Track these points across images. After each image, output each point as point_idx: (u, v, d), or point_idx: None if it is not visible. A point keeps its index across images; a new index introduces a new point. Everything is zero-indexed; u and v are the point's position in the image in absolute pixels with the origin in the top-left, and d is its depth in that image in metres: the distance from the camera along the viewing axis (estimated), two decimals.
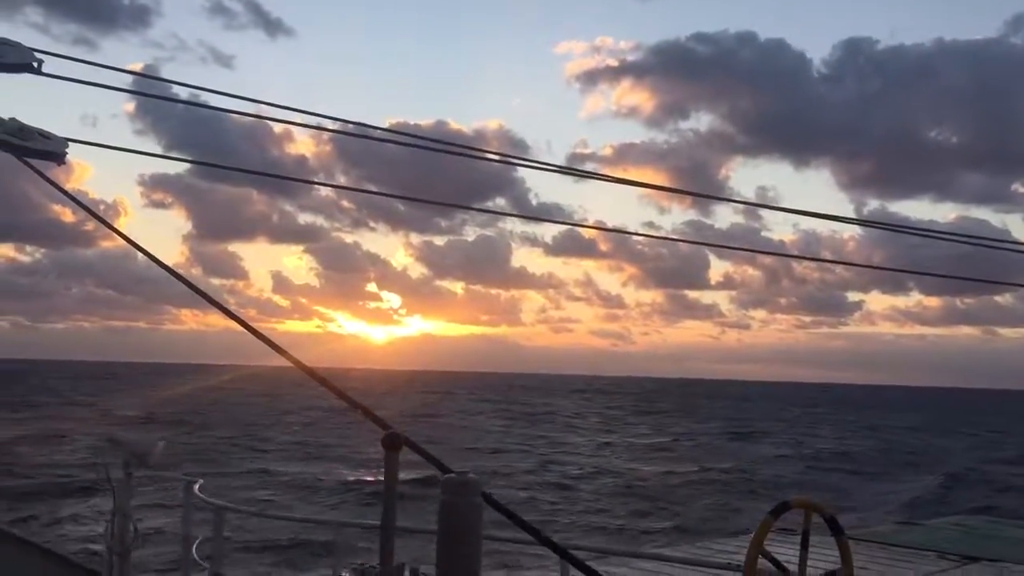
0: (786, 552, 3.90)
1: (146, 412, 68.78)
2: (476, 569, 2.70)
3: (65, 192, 4.76)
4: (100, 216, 5.06)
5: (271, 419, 68.68)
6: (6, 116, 5.25)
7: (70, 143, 5.48)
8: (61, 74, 5.49)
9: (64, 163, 5.38)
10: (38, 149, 5.18)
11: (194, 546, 7.81)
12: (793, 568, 3.78)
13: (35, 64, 5.28)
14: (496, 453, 48.62)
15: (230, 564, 8.93)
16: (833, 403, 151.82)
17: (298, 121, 5.98)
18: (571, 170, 7.80)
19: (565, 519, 28.69)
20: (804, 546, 3.82)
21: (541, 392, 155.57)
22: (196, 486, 7.97)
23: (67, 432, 50.66)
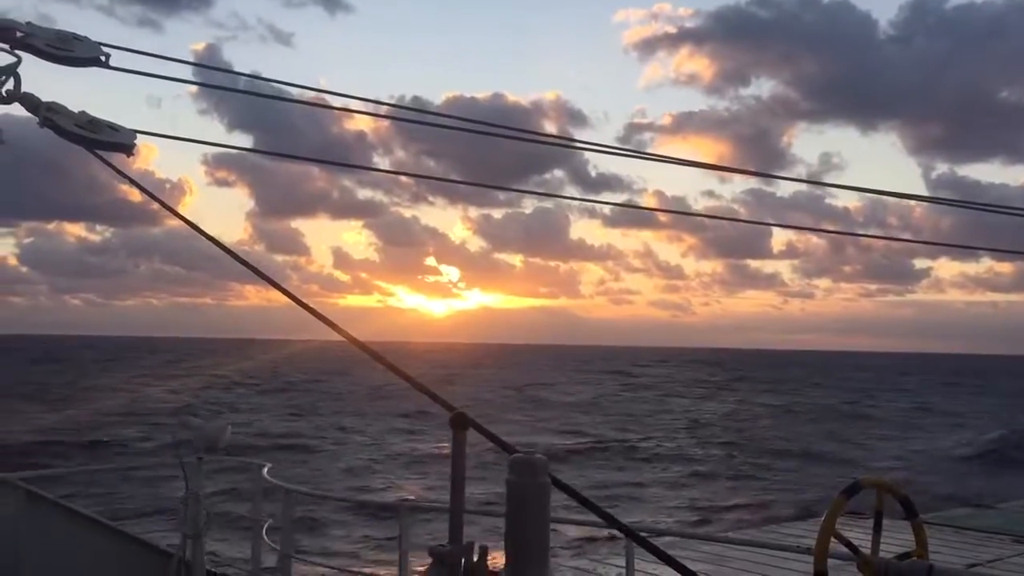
0: (855, 535, 3.82)
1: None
2: (544, 549, 2.70)
3: (134, 182, 4.85)
4: (163, 201, 5.15)
5: None
6: (76, 109, 5.39)
7: (138, 134, 5.61)
8: (126, 67, 5.61)
9: (133, 155, 5.50)
10: (108, 141, 5.29)
11: (264, 528, 7.97)
12: (865, 550, 3.70)
13: (103, 58, 5.41)
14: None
15: (299, 545, 9.09)
16: (926, 373, 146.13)
17: (356, 108, 6.02)
18: (624, 151, 7.71)
19: None
20: (877, 527, 3.73)
21: (625, 362, 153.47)
22: (265, 470, 8.12)
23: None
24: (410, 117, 6.74)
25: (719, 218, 41.73)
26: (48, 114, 5.21)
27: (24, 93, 5.29)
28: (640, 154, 7.43)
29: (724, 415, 59.27)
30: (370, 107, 6.02)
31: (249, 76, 6.08)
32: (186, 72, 6.13)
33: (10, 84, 5.24)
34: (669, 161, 7.53)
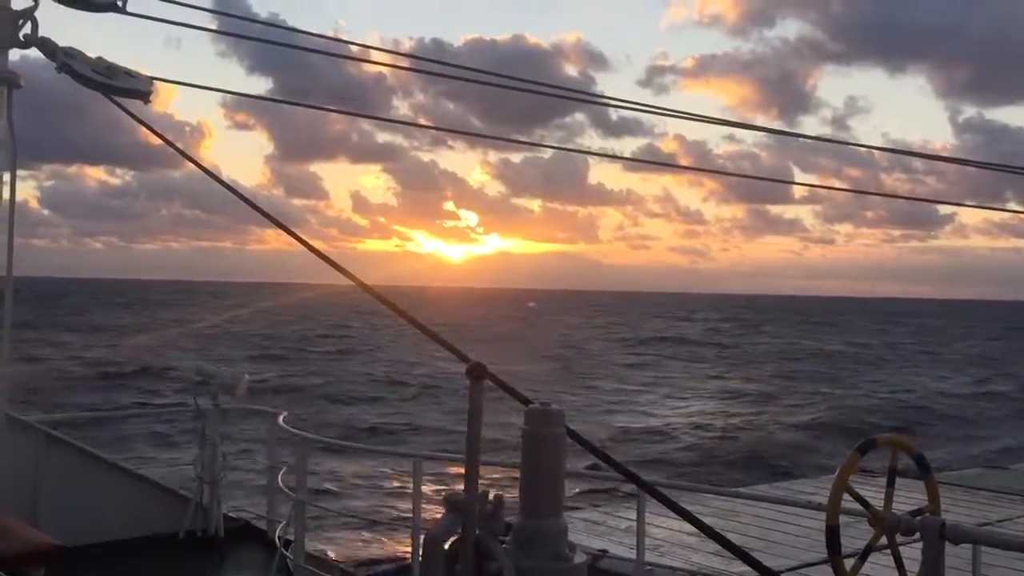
0: (867, 494, 3.83)
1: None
2: (559, 500, 2.71)
3: (151, 128, 4.85)
4: (177, 147, 5.15)
5: None
6: (93, 55, 5.37)
7: (155, 81, 5.58)
8: (144, 12, 5.57)
9: (149, 101, 5.48)
10: (125, 88, 5.28)
11: (280, 475, 8.07)
12: (878, 507, 3.71)
13: (119, 3, 5.37)
14: None
15: (313, 492, 9.22)
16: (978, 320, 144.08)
17: (376, 60, 5.98)
18: (636, 105, 7.64)
19: None
20: (891, 483, 3.74)
21: (671, 309, 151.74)
22: (280, 418, 8.20)
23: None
24: (429, 69, 6.68)
25: (737, 175, 41.15)
26: (65, 59, 5.20)
27: (42, 37, 5.27)
28: (652, 108, 7.36)
29: None
30: (388, 58, 5.97)
31: (265, 23, 6.03)
32: (204, 18, 6.07)
33: (27, 28, 5.23)
34: (683, 116, 7.45)
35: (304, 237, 3.78)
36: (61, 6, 5.23)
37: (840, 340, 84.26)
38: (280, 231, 3.97)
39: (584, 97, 6.82)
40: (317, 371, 49.36)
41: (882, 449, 3.81)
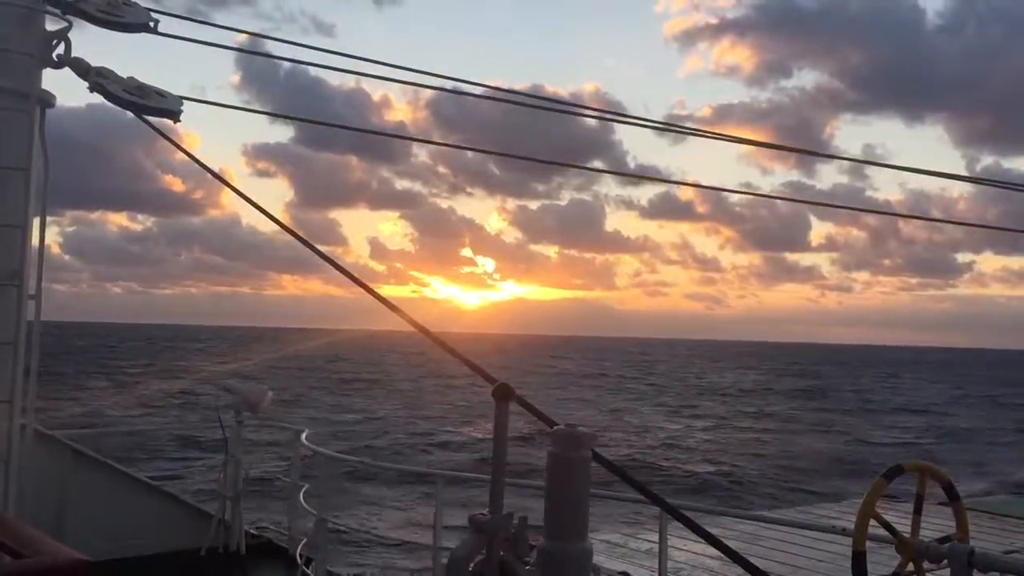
0: (892, 519, 3.78)
1: None
2: (584, 522, 2.70)
3: (182, 148, 4.91)
4: (212, 171, 5.20)
5: None
6: (124, 75, 5.44)
7: (185, 101, 5.65)
8: (175, 34, 5.65)
9: (179, 121, 5.54)
10: (156, 107, 5.35)
11: (301, 493, 8.08)
12: (904, 533, 3.67)
13: (152, 24, 5.45)
14: None
15: (335, 511, 9.21)
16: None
17: (398, 78, 6.02)
18: (669, 126, 7.65)
19: None
20: (917, 510, 3.69)
21: (708, 359, 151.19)
22: (303, 435, 8.22)
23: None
24: (451, 87, 6.72)
25: (765, 196, 40.84)
26: (98, 79, 5.27)
27: (74, 58, 5.35)
28: (684, 129, 7.37)
29: None
30: (413, 81, 6.01)
31: (289, 61, 6.10)
32: (238, 41, 6.15)
33: (60, 49, 5.31)
34: (713, 136, 7.45)
35: (352, 272, 3.90)
36: (93, 27, 5.31)
37: None
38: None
39: (631, 120, 6.85)
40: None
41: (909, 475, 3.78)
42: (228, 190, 4.74)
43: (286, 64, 6.21)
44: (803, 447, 38.43)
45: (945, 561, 3.57)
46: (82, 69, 5.26)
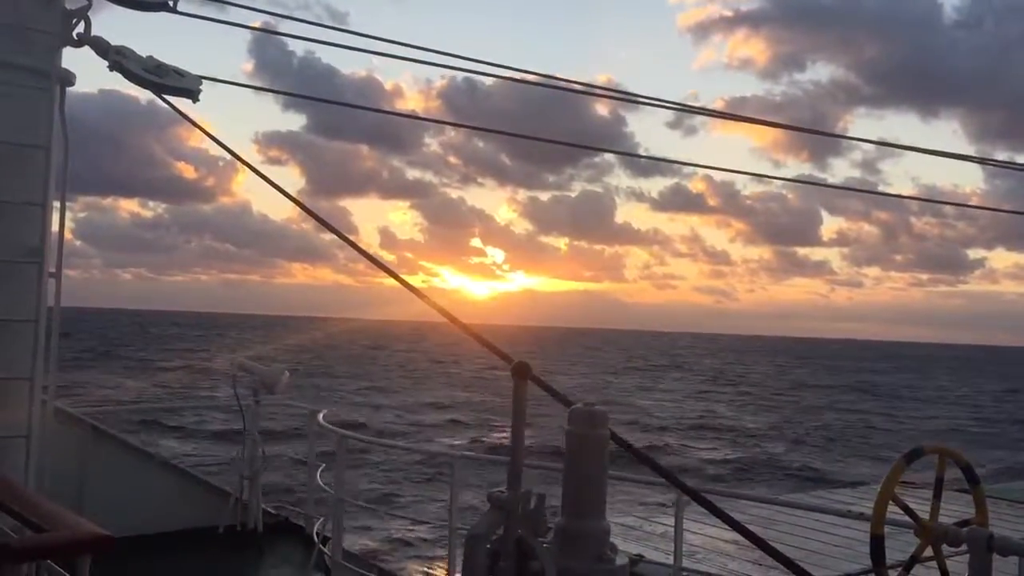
0: (911, 503, 3.76)
1: None
2: (602, 500, 2.71)
3: (200, 127, 4.91)
4: (231, 149, 5.20)
5: None
6: (143, 54, 5.45)
7: (203, 80, 5.65)
8: (192, 13, 5.64)
9: (198, 100, 5.54)
10: (175, 86, 5.36)
11: (318, 472, 8.13)
12: (924, 516, 3.65)
13: (171, 2, 5.45)
14: None
15: (352, 489, 9.27)
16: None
17: (412, 57, 6.00)
18: (687, 107, 7.58)
19: None
20: (937, 494, 3.67)
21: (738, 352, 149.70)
22: (320, 415, 8.26)
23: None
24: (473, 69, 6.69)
25: (780, 178, 40.65)
26: (117, 58, 5.28)
27: (94, 36, 5.36)
28: (699, 110, 7.30)
29: None
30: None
31: (305, 40, 6.08)
32: (254, 21, 6.14)
33: (80, 27, 5.32)
34: (728, 117, 7.38)
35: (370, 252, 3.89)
36: (114, 6, 5.31)
37: None
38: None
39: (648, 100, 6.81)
40: None
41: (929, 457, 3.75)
42: (239, 177, 4.76)
43: (299, 52, 6.23)
44: None
45: (964, 546, 3.56)
46: (102, 48, 5.26)
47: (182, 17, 5.44)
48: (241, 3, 5.60)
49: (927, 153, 7.51)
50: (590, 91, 7.26)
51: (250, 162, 4.73)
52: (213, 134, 5.09)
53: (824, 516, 9.52)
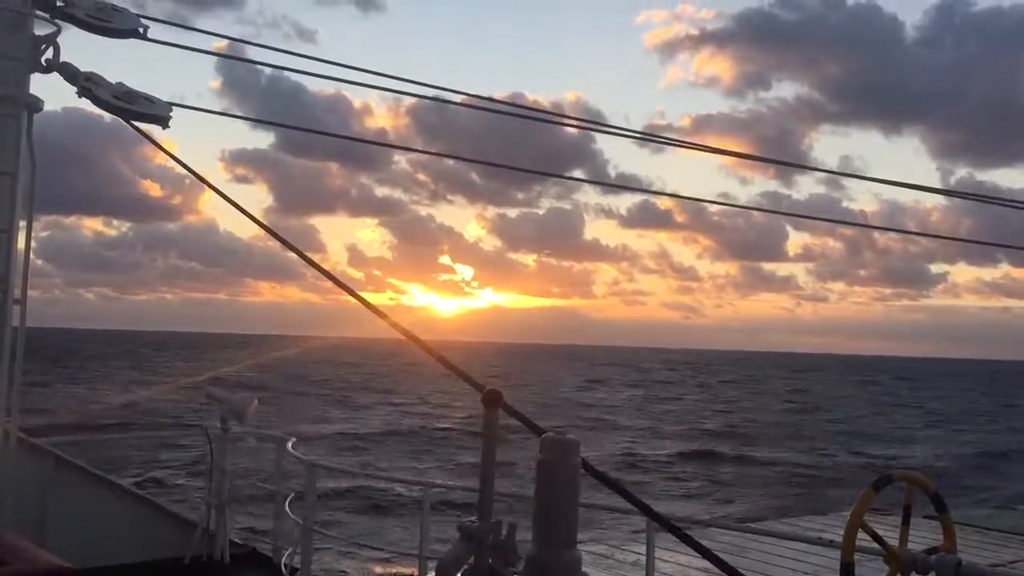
0: (879, 530, 3.78)
1: None
2: (573, 530, 2.69)
3: (172, 155, 4.89)
4: (199, 174, 5.18)
5: None
6: (114, 75, 5.42)
7: (173, 107, 5.63)
8: (164, 40, 5.63)
9: (168, 127, 5.53)
10: (144, 113, 5.34)
11: (287, 501, 8.02)
12: (893, 544, 3.67)
13: (141, 30, 5.44)
14: None
15: (321, 519, 9.16)
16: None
17: (380, 85, 6.03)
18: (647, 136, 7.68)
19: None
20: (906, 521, 3.70)
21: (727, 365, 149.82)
22: (289, 444, 8.17)
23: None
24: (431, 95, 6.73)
25: (742, 207, 41.32)
26: (87, 84, 5.26)
27: (63, 62, 5.33)
28: (665, 140, 7.40)
29: None
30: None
31: (273, 67, 6.10)
32: (224, 47, 6.15)
33: (49, 53, 5.29)
34: (689, 146, 7.48)
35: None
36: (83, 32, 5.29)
37: None
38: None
39: (609, 129, 6.87)
40: None
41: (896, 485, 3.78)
42: (205, 195, 4.74)
43: (267, 70, 6.26)
44: None
45: (932, 573, 3.57)
46: (71, 74, 5.24)
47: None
48: (210, 30, 5.60)
49: (889, 184, 7.63)
50: (557, 120, 7.32)
51: (214, 183, 4.71)
52: (177, 155, 5.08)
53: (795, 544, 9.55)
